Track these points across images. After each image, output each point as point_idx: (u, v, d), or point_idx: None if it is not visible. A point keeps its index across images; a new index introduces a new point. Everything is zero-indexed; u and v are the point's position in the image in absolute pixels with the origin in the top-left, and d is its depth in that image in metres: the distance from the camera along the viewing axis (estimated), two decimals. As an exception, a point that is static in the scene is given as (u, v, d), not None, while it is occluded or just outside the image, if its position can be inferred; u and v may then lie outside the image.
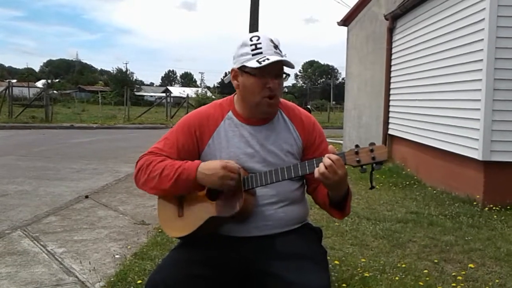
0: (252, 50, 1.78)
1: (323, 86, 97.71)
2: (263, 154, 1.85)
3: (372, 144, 1.63)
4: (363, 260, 3.71)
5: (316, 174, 1.64)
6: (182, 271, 1.72)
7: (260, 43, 1.78)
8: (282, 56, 1.79)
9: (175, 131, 1.91)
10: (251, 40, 1.80)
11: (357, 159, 1.62)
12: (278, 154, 1.86)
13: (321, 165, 1.62)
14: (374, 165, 1.63)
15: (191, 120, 1.91)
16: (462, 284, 3.32)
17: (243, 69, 1.80)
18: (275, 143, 1.87)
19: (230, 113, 1.90)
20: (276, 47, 1.80)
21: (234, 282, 1.82)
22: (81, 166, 8.79)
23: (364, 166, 1.63)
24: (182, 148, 1.87)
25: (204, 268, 1.75)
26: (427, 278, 3.38)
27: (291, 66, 1.81)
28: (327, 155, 1.63)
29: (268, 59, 1.74)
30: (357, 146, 1.65)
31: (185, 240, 1.86)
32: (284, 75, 1.83)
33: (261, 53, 1.77)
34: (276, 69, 1.78)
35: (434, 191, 6.71)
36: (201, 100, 30.72)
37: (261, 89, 1.78)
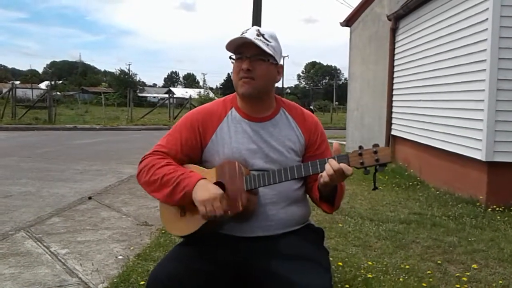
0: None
1: (325, 87, 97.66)
2: (266, 150, 1.86)
3: (376, 145, 1.62)
4: (366, 261, 3.70)
5: (326, 178, 1.64)
6: (185, 265, 1.73)
7: (246, 32, 1.82)
8: (265, 43, 1.79)
9: (178, 127, 1.93)
10: (242, 32, 1.83)
11: (361, 161, 1.62)
12: (281, 151, 1.87)
13: (331, 170, 1.62)
14: (378, 167, 1.63)
15: (194, 116, 1.93)
16: (466, 286, 3.30)
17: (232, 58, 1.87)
18: (278, 140, 1.88)
19: (233, 109, 1.92)
20: (259, 35, 1.80)
21: (235, 281, 1.82)
22: (84, 167, 8.81)
23: (367, 168, 1.63)
24: (185, 143, 1.88)
25: (207, 264, 1.76)
26: (431, 279, 3.37)
27: (262, 48, 1.78)
28: (342, 165, 1.62)
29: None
30: (360, 147, 1.64)
31: (187, 239, 1.87)
32: (268, 60, 1.82)
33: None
34: (251, 52, 1.80)
35: (437, 192, 6.70)
36: (204, 101, 30.72)
37: (238, 71, 1.82)
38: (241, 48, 1.81)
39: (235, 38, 1.79)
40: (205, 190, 1.70)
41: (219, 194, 1.69)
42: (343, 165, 1.62)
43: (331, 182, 1.64)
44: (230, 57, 1.86)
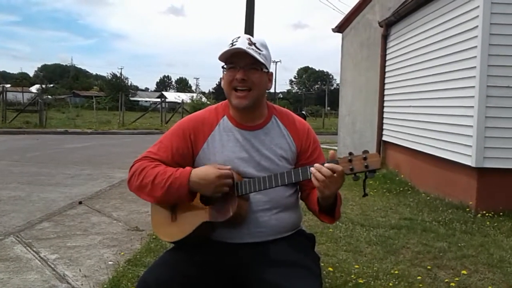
0: (229, 47, 1.80)
1: (318, 92, 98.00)
2: (257, 159, 1.86)
3: (365, 152, 1.63)
4: (356, 266, 3.72)
5: (316, 183, 1.63)
6: (174, 270, 1.73)
7: (237, 41, 1.81)
8: (257, 52, 1.79)
9: (169, 135, 1.92)
10: (232, 40, 1.83)
11: (351, 167, 1.62)
12: (272, 159, 1.87)
13: (319, 175, 1.61)
14: (367, 173, 1.63)
15: (186, 124, 1.92)
16: (455, 291, 3.33)
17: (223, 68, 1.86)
18: (270, 148, 1.88)
19: (225, 117, 1.92)
20: (251, 43, 1.80)
21: (226, 287, 1.82)
22: (75, 171, 8.76)
23: (357, 174, 1.64)
24: (176, 152, 1.87)
25: (197, 270, 1.76)
26: (420, 285, 3.39)
27: (256, 57, 1.78)
28: (327, 165, 1.63)
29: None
30: (350, 153, 1.65)
31: (178, 245, 1.86)
32: (261, 69, 1.82)
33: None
34: (245, 61, 1.79)
35: (428, 197, 6.73)
36: (196, 106, 30.68)
37: (230, 81, 1.81)
38: (233, 58, 1.80)
39: (229, 48, 1.78)
40: (204, 183, 1.71)
41: (215, 176, 1.70)
42: (328, 165, 1.61)
43: (323, 188, 1.63)
44: (223, 67, 1.85)
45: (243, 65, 1.79)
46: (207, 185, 1.71)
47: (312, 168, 1.65)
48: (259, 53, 1.80)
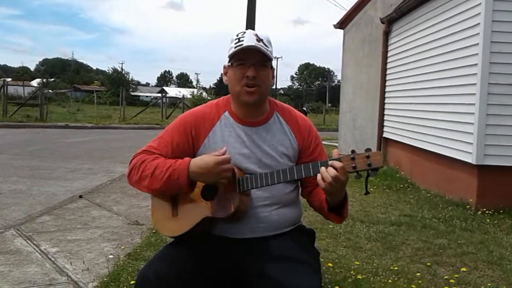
0: (235, 43, 1.79)
1: (319, 88, 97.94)
2: (258, 155, 1.85)
3: (368, 150, 1.62)
4: (356, 262, 3.72)
5: (322, 185, 1.62)
6: (174, 265, 1.73)
7: (243, 37, 1.80)
8: (265, 48, 1.78)
9: (170, 130, 1.92)
10: (237, 35, 1.82)
11: (353, 165, 1.61)
12: (274, 156, 1.87)
13: (327, 174, 1.60)
14: (370, 171, 1.62)
15: (187, 119, 1.91)
16: (455, 287, 3.33)
17: (230, 64, 1.84)
18: (271, 145, 1.88)
19: (226, 113, 1.91)
20: (259, 40, 1.79)
21: (225, 282, 1.82)
22: (76, 165, 8.76)
23: (359, 172, 1.63)
24: (176, 147, 1.87)
25: (196, 264, 1.76)
26: (420, 281, 3.40)
27: (267, 55, 1.79)
28: (330, 162, 1.62)
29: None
30: (353, 151, 1.64)
31: (178, 240, 1.86)
32: (269, 66, 1.83)
33: (241, 44, 1.78)
34: (256, 58, 1.78)
35: (428, 194, 6.74)
36: (197, 102, 30.66)
37: (240, 78, 1.80)
38: (242, 54, 1.79)
39: (244, 46, 1.76)
40: (204, 172, 1.70)
41: (214, 164, 1.68)
42: (334, 166, 1.61)
43: (329, 188, 1.62)
44: (232, 64, 1.82)
45: (254, 62, 1.78)
46: (208, 173, 1.70)
47: (323, 170, 1.63)
48: (267, 50, 1.79)
